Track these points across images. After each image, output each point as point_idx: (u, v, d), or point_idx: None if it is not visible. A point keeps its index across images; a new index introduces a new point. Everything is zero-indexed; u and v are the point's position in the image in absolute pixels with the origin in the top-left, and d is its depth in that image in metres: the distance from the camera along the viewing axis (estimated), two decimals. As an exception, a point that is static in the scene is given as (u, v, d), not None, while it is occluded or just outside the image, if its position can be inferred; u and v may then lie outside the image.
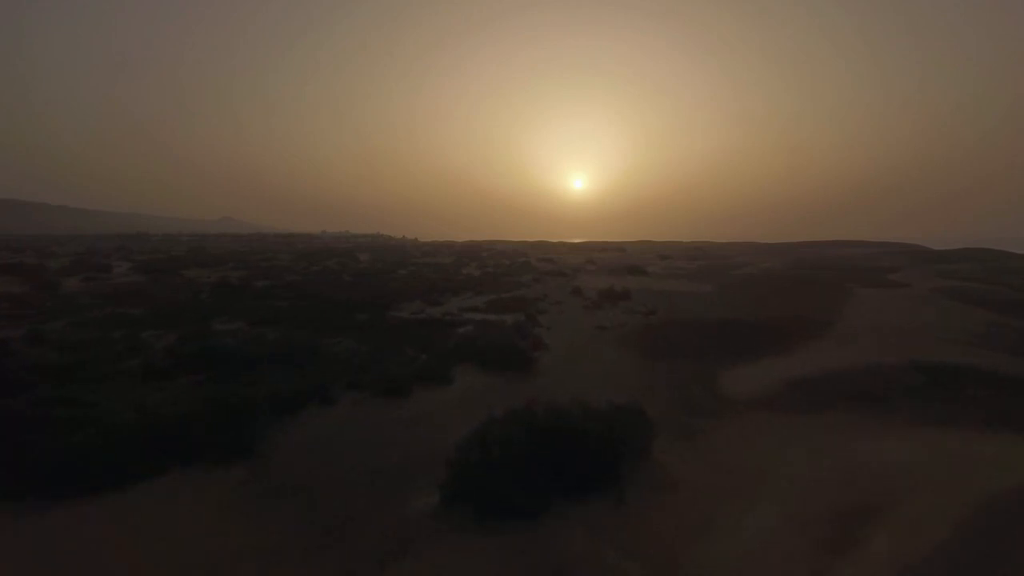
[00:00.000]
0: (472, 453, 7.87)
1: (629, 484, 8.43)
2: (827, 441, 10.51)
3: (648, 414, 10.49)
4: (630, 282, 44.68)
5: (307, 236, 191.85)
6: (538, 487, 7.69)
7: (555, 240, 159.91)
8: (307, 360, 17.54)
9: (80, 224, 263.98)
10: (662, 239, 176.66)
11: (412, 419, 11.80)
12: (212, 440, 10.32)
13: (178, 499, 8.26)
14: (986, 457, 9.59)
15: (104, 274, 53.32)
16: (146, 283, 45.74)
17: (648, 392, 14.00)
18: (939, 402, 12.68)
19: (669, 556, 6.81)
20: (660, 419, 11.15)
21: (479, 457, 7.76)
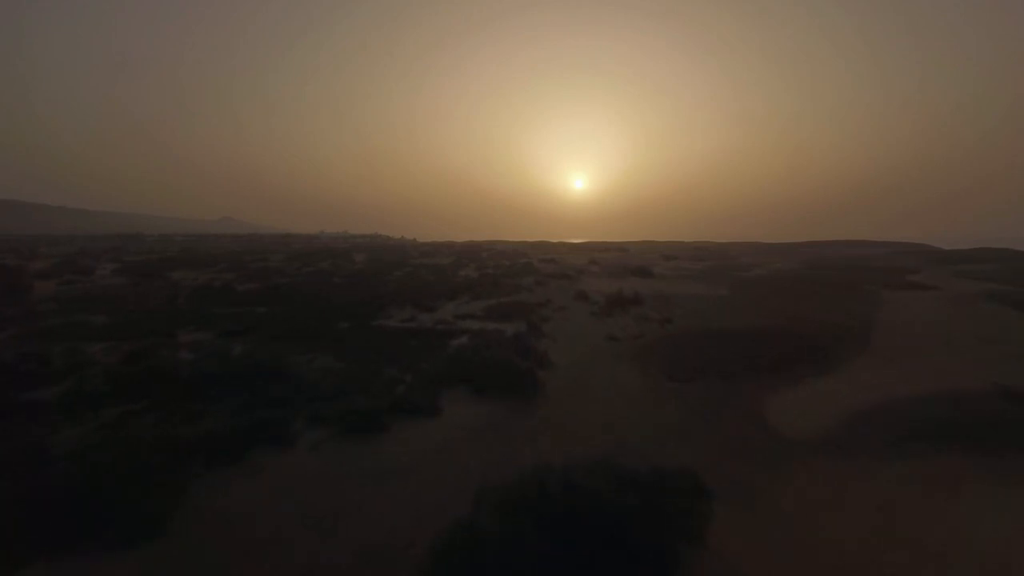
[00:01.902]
0: (455, 562, 5.18)
1: (687, 596, 5.79)
2: (937, 508, 7.84)
3: (697, 471, 7.77)
4: (638, 285, 41.98)
5: (305, 236, 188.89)
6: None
7: (556, 240, 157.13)
8: (271, 382, 14.84)
9: (80, 224, 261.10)
10: (663, 239, 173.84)
11: (382, 474, 9.10)
12: (112, 512, 7.65)
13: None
14: None
15: (85, 276, 50.84)
16: (125, 286, 43.15)
17: (683, 429, 11.30)
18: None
19: None
20: (707, 471, 8.46)
21: (465, 568, 5.07)
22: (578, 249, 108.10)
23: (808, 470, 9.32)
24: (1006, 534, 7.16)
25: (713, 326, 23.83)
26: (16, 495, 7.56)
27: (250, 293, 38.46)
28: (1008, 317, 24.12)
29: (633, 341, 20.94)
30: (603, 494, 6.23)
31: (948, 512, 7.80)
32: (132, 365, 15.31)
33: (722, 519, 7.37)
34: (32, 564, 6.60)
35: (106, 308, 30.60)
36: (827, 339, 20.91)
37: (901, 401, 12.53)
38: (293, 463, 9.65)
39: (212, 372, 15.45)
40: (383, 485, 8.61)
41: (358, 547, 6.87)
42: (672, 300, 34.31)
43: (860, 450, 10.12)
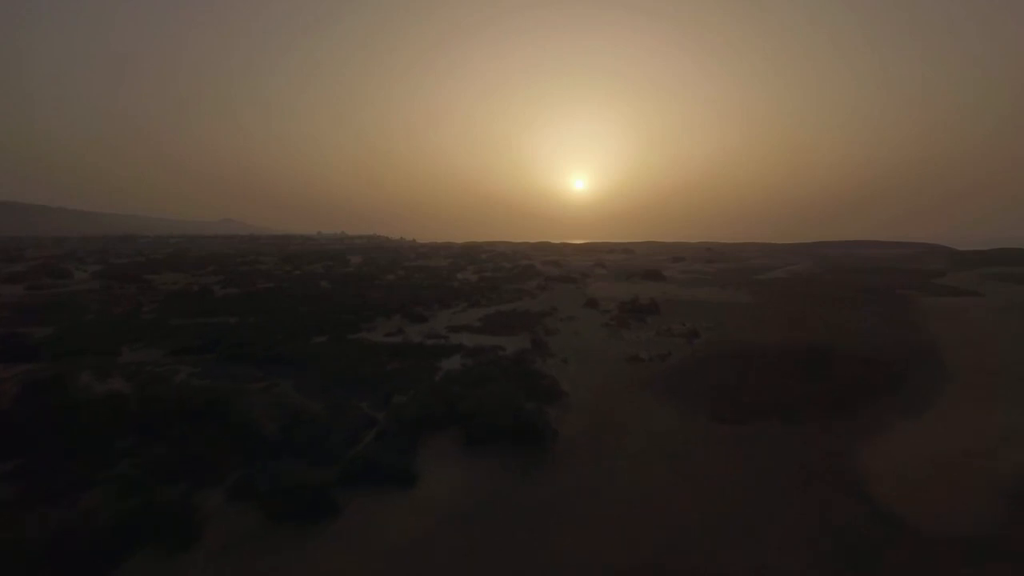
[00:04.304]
0: None
1: None
2: None
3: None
4: (651, 290, 38.58)
5: (303, 238, 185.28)
6: None
7: (558, 241, 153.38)
8: (205, 424, 11.46)
9: (80, 226, 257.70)
10: (667, 239, 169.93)
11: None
12: None
13: None
14: None
15: (60, 280, 47.85)
16: (96, 292, 39.97)
17: (762, 512, 7.90)
18: None
19: None
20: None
21: None
22: (582, 250, 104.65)
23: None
24: None
25: (748, 342, 20.42)
26: None
27: (227, 299, 35.21)
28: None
29: (659, 362, 17.54)
30: None
31: None
32: (25, 402, 11.94)
33: None
34: None
35: (60, 317, 27.26)
36: (890, 360, 17.50)
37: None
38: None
39: (132, 409, 12.11)
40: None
41: None
42: (691, 307, 30.93)
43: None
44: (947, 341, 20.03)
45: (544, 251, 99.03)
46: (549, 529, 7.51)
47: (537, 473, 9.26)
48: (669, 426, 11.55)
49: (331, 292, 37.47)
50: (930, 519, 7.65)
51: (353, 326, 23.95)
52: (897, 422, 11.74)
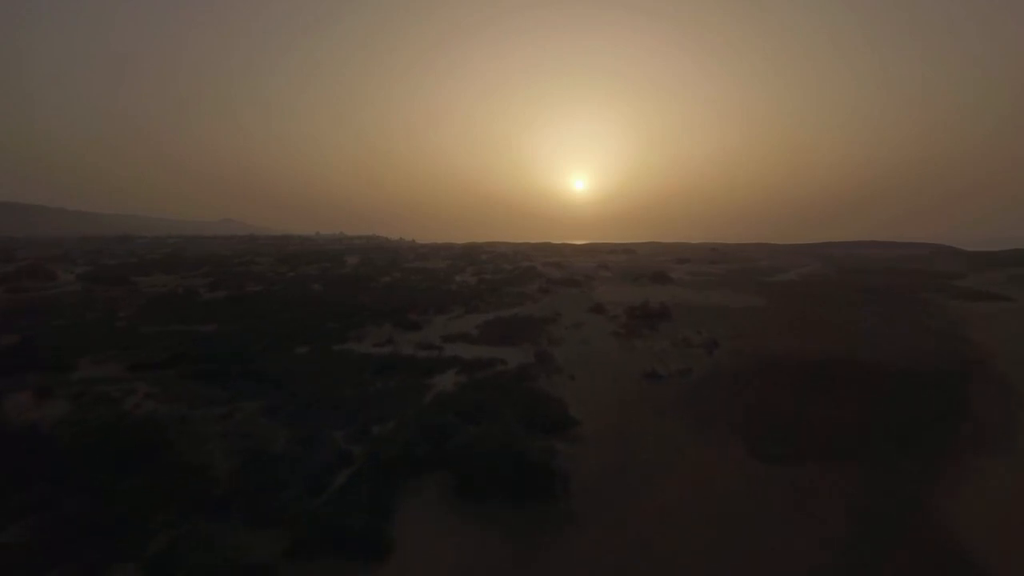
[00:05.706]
0: None
1: None
2: None
3: None
4: (659, 293, 36.53)
5: (301, 238, 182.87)
6: None
7: (559, 242, 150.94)
8: (146, 465, 9.48)
9: (80, 226, 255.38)
10: (668, 240, 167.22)
11: None
12: None
13: None
14: None
15: (45, 283, 46.08)
16: (78, 295, 38.16)
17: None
18: None
19: None
20: None
21: None
22: (583, 251, 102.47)
23: None
24: None
25: (774, 353, 18.35)
26: None
27: (212, 304, 33.29)
28: None
29: (680, 379, 15.53)
30: None
31: None
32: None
33: None
34: None
35: (30, 324, 25.31)
36: (942, 377, 15.46)
37: None
38: None
39: (61, 444, 10.13)
40: None
41: None
42: (704, 312, 28.90)
43: None
44: (998, 354, 18.02)
45: (545, 252, 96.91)
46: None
47: (544, 542, 7.27)
48: (708, 468, 9.55)
49: (322, 296, 35.48)
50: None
51: (340, 335, 21.94)
52: (976, 460, 9.75)
